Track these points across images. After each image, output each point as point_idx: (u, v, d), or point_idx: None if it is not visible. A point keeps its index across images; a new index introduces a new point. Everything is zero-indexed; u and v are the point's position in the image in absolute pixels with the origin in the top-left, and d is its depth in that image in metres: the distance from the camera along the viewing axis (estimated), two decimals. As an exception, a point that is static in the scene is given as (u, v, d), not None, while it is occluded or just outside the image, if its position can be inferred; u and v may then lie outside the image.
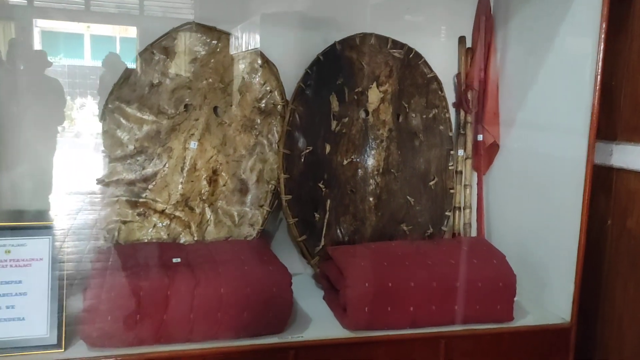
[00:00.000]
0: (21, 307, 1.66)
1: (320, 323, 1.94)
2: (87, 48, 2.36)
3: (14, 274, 1.67)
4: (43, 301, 1.67)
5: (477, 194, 2.51)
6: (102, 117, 2.10)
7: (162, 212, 2.13)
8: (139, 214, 2.11)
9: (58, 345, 1.65)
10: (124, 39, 2.34)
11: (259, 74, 2.23)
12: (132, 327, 1.65)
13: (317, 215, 2.25)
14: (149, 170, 2.13)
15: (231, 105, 2.22)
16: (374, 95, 2.35)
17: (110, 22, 2.29)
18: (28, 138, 2.12)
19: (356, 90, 2.31)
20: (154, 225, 2.12)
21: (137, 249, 1.97)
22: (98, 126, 2.10)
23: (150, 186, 2.13)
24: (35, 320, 1.65)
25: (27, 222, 1.76)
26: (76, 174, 2.26)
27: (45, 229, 1.72)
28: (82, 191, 2.25)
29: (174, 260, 1.86)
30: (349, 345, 1.83)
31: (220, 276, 1.77)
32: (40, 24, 2.17)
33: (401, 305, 1.88)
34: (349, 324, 1.86)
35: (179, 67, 2.16)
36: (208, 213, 2.19)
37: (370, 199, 2.32)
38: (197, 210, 2.17)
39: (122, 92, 2.11)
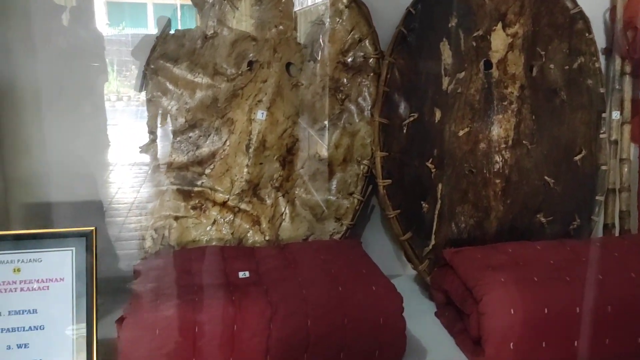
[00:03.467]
0: (37, 346, 1.21)
1: (438, 355, 1.43)
2: (150, 17, 2.01)
3: (26, 301, 1.22)
4: (66, 339, 1.21)
5: (639, 172, 1.87)
6: (143, 81, 1.61)
7: (224, 204, 1.64)
8: (193, 208, 1.63)
9: (87, 398, 1.19)
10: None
11: (345, 17, 1.67)
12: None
13: (425, 205, 1.69)
14: (205, 149, 1.63)
15: (309, 61, 1.67)
16: (499, 41, 1.74)
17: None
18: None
19: (475, 34, 1.71)
20: (214, 222, 1.64)
21: (192, 256, 1.48)
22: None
23: (207, 171, 1.64)
24: (56, 363, 1.21)
25: (43, 228, 1.29)
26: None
27: (69, 237, 1.25)
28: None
29: (241, 274, 1.36)
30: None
31: (306, 302, 1.26)
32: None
33: (562, 340, 1.32)
34: (487, 365, 1.31)
35: (240, 11, 1.62)
36: (282, 205, 1.67)
37: (497, 181, 1.73)
38: (269, 202, 1.66)
39: (167, 48, 1.60)
